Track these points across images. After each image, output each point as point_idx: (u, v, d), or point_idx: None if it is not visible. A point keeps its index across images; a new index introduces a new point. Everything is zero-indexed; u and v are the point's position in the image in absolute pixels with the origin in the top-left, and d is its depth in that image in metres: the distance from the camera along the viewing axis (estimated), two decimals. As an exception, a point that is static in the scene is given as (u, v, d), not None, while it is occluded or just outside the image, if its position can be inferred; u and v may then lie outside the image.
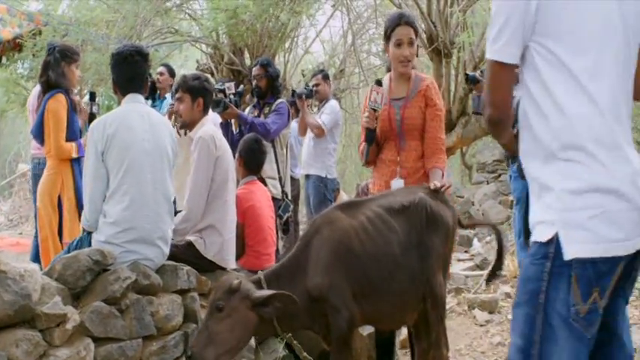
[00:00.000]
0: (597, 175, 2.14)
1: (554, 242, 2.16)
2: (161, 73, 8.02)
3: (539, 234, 2.23)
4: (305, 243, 3.81)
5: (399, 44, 4.39)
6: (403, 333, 5.43)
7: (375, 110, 4.39)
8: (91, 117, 5.90)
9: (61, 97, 5.40)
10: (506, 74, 2.31)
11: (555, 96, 2.20)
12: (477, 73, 6.46)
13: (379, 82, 4.46)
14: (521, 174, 5.99)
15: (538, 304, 2.18)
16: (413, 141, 4.46)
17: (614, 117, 2.19)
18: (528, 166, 2.40)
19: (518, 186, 6.22)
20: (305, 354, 4.18)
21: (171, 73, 8.19)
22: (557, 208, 2.18)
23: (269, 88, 6.68)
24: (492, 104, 2.38)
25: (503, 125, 2.43)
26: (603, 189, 2.12)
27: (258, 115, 6.62)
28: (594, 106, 2.16)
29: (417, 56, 4.58)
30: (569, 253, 2.13)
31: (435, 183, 4.12)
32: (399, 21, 4.38)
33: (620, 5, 2.20)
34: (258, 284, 3.73)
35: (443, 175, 4.37)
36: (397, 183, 4.41)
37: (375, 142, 4.56)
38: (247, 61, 12.07)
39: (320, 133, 7.56)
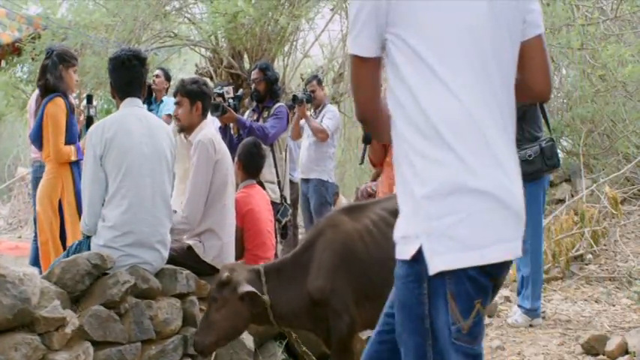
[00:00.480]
0: (459, 174, 1.90)
1: (422, 258, 1.92)
2: (157, 76, 8.05)
3: (402, 251, 2.01)
4: (308, 244, 3.81)
5: None
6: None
7: None
8: (89, 120, 5.90)
9: (59, 101, 5.40)
10: (366, 69, 2.09)
11: (412, 89, 1.96)
12: None
13: None
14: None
15: (425, 331, 1.96)
16: None
17: (484, 115, 1.97)
18: (398, 169, 2.08)
19: None
20: (305, 348, 4.18)
21: (167, 77, 8.21)
22: (418, 218, 1.95)
23: (268, 91, 6.69)
24: (357, 102, 2.18)
25: (373, 125, 2.21)
26: (466, 189, 1.89)
27: (257, 119, 6.62)
28: (455, 101, 1.93)
29: None
30: (435, 267, 1.89)
31: None
32: None
33: None
34: (257, 275, 3.76)
35: None
36: None
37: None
38: (246, 65, 12.06)
39: (324, 137, 7.58)
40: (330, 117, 7.63)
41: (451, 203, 1.88)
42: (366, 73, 2.10)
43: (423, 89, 1.95)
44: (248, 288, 3.61)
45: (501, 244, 1.93)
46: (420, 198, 1.93)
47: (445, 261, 1.88)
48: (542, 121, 6.34)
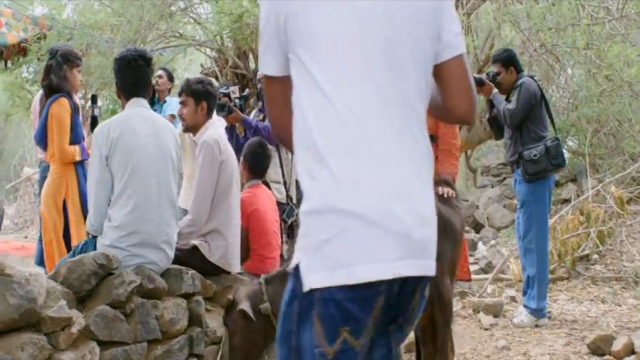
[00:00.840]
0: (330, 193, 1.84)
1: (299, 274, 1.87)
2: (160, 77, 8.05)
3: (291, 265, 1.95)
4: None
5: None
6: (409, 336, 5.42)
7: None
8: (93, 120, 5.91)
9: (64, 101, 5.39)
10: (274, 87, 2.07)
11: (303, 108, 1.92)
12: (483, 76, 6.43)
13: None
14: (525, 178, 5.99)
15: (292, 347, 1.91)
16: None
17: (371, 131, 1.87)
18: None
19: (522, 189, 6.21)
20: None
21: (170, 77, 8.22)
22: (300, 232, 1.91)
23: None
24: (269, 118, 2.16)
25: (286, 141, 2.10)
26: (336, 209, 1.82)
27: (264, 119, 6.61)
28: (336, 117, 1.87)
29: None
30: (307, 283, 1.84)
31: (441, 189, 4.12)
32: None
33: (384, 7, 1.94)
34: (259, 286, 3.79)
35: (454, 180, 4.37)
36: None
37: None
38: (252, 65, 12.07)
39: None
40: None
41: (324, 221, 1.83)
42: (275, 91, 2.08)
43: (311, 107, 1.91)
44: (242, 305, 3.63)
45: (375, 264, 1.81)
46: (302, 214, 1.90)
47: (315, 278, 1.83)
48: (548, 120, 6.35)
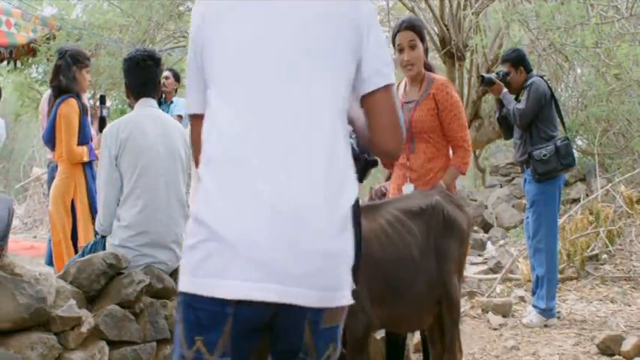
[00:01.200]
0: (200, 205, 1.85)
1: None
2: (167, 77, 8.07)
3: None
4: None
5: (400, 50, 4.41)
6: (417, 336, 5.42)
7: None
8: (102, 121, 5.92)
9: (72, 102, 5.41)
10: (196, 126, 2.07)
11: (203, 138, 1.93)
12: (493, 75, 6.43)
13: None
14: (535, 177, 5.98)
15: (174, 337, 1.95)
16: (422, 143, 4.44)
17: (254, 157, 1.83)
18: None
19: (531, 189, 6.20)
20: None
21: (177, 78, 8.24)
22: None
23: None
24: (194, 160, 2.15)
25: None
26: (203, 222, 1.82)
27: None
28: (219, 143, 1.87)
29: (427, 57, 4.56)
30: (179, 284, 1.89)
31: (442, 183, 4.14)
32: (400, 27, 4.41)
33: (294, 27, 1.92)
34: None
35: (457, 175, 4.37)
36: (408, 188, 4.41)
37: None
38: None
39: None
40: None
41: (193, 228, 1.84)
42: (195, 130, 2.07)
43: (207, 134, 1.92)
44: None
45: (221, 280, 1.78)
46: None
47: (181, 280, 1.88)
48: (558, 120, 6.34)
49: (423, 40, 4.43)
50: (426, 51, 4.50)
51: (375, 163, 2.38)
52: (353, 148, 2.18)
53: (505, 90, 6.27)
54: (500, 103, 6.42)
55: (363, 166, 2.31)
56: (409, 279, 3.75)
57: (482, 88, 6.14)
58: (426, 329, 4.06)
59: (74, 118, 5.39)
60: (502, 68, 6.48)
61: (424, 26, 4.56)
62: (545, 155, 5.97)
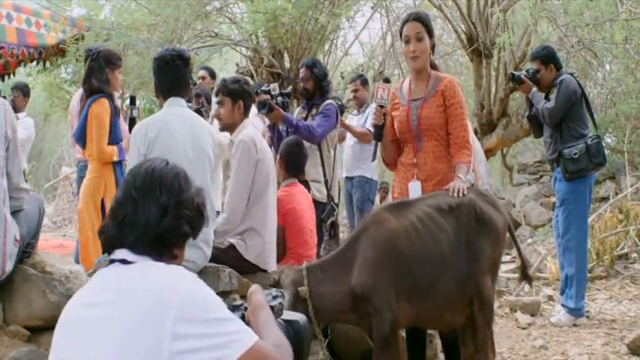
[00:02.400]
0: None
1: None
2: (203, 77, 8.09)
3: None
4: (353, 241, 3.82)
5: (406, 41, 4.38)
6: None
7: (381, 107, 4.40)
8: (132, 121, 5.95)
9: (104, 102, 5.43)
10: None
11: None
12: (523, 73, 6.37)
13: (387, 80, 4.51)
14: (565, 176, 5.91)
15: None
16: (430, 142, 4.40)
17: None
18: None
19: (562, 187, 6.15)
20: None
21: (213, 76, 8.24)
22: None
23: (316, 88, 6.65)
24: None
25: None
26: None
27: (306, 117, 6.60)
28: None
29: (433, 53, 4.52)
30: None
31: (452, 186, 4.06)
32: (408, 18, 4.40)
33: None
34: (300, 272, 3.79)
35: (468, 170, 4.33)
36: (414, 185, 4.37)
37: (395, 145, 4.56)
38: (287, 64, 12.10)
39: (369, 139, 7.55)
40: (353, 114, 7.56)
41: None
42: None
43: None
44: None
45: None
46: None
47: None
48: (589, 118, 6.29)
49: (430, 34, 4.41)
50: (433, 48, 4.47)
51: None
52: None
53: (534, 89, 6.22)
54: (530, 102, 6.37)
55: None
56: (438, 276, 3.74)
57: (512, 85, 6.08)
58: (459, 328, 4.05)
59: (105, 118, 5.42)
60: (532, 66, 6.42)
61: (431, 21, 4.53)
62: (575, 154, 5.92)
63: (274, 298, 2.35)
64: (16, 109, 8.89)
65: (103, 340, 1.90)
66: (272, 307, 2.28)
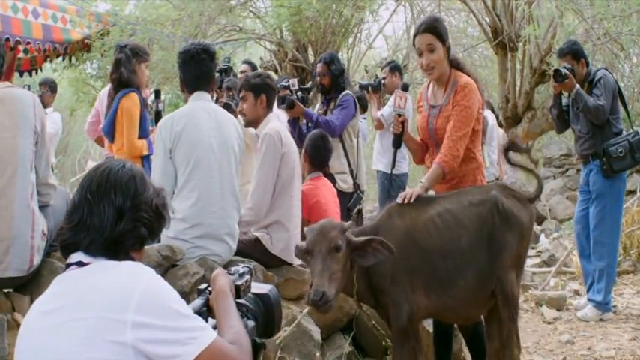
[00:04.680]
0: None
1: None
2: (245, 72, 8.11)
3: None
4: (374, 229, 3.80)
5: (419, 54, 4.31)
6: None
7: (399, 115, 4.35)
8: (157, 115, 5.98)
9: (134, 96, 5.44)
10: None
11: None
12: (564, 69, 6.18)
13: (405, 87, 4.46)
14: (607, 173, 5.82)
15: None
16: None
17: None
18: None
19: (598, 182, 6.08)
20: (374, 323, 4.18)
21: (254, 69, 8.25)
22: None
23: (332, 84, 6.67)
24: None
25: None
26: None
27: (325, 112, 6.62)
28: None
29: (449, 55, 4.41)
30: None
31: (404, 194, 4.01)
32: (418, 30, 4.31)
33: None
34: None
35: (442, 172, 4.16)
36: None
37: (422, 144, 4.52)
38: (311, 58, 12.11)
39: (379, 126, 7.53)
40: (389, 105, 7.47)
41: None
42: None
43: None
44: (366, 237, 3.56)
45: None
46: None
47: None
48: (623, 113, 6.26)
49: (443, 41, 4.28)
50: (448, 50, 4.37)
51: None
52: None
53: (578, 86, 6.06)
54: (557, 97, 6.30)
55: None
56: (457, 271, 3.74)
57: (557, 82, 5.89)
58: (485, 324, 4.04)
59: (135, 112, 5.43)
60: (560, 62, 6.31)
61: (444, 26, 4.44)
62: (621, 152, 5.90)
63: (241, 275, 2.34)
64: (44, 105, 8.94)
65: (69, 342, 1.91)
66: (238, 287, 2.27)
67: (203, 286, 2.31)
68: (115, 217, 2.09)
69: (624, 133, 6.13)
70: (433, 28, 4.25)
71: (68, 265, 2.09)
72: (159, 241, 4.11)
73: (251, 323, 2.25)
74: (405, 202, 3.88)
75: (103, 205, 2.09)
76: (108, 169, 2.17)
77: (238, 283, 2.29)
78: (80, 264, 2.06)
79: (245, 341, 2.07)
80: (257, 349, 2.19)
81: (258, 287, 2.40)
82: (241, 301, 2.26)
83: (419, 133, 4.51)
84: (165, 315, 1.93)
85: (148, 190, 2.20)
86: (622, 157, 5.90)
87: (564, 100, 6.36)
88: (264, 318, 2.33)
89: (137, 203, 2.14)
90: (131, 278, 1.98)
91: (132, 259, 2.14)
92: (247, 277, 2.35)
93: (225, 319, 2.13)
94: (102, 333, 1.88)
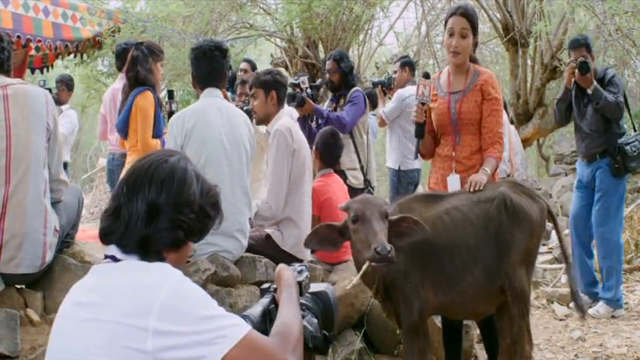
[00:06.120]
0: None
1: None
2: (245, 70, 8.12)
3: None
4: None
5: (450, 34, 4.34)
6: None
7: (423, 104, 4.36)
8: (171, 115, 5.99)
9: (149, 94, 5.43)
10: None
11: None
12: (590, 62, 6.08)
13: (427, 76, 4.46)
14: (619, 172, 5.81)
15: None
16: (468, 135, 4.38)
17: None
18: None
19: (605, 179, 6.09)
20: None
21: (254, 69, 8.28)
22: None
23: (342, 82, 6.68)
24: None
25: None
26: None
27: (335, 108, 6.63)
28: None
29: (474, 51, 4.48)
30: None
31: (471, 179, 4.04)
32: (455, 11, 4.35)
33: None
34: None
35: (497, 165, 4.29)
36: (453, 179, 4.34)
37: (432, 136, 4.54)
38: (321, 55, 12.09)
39: (380, 123, 7.54)
40: (392, 101, 7.46)
41: None
42: None
43: None
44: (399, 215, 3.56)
45: None
46: None
47: None
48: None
49: (475, 32, 4.36)
50: (475, 45, 4.43)
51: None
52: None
53: (596, 83, 6.00)
54: (569, 92, 6.25)
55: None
56: (465, 267, 3.74)
57: (582, 74, 5.78)
58: (497, 320, 4.04)
59: (150, 111, 5.42)
60: (573, 54, 6.23)
61: (477, 19, 4.48)
62: (634, 151, 5.90)
63: (300, 272, 2.35)
64: (61, 102, 9.03)
65: (88, 342, 1.88)
66: (300, 283, 2.27)
67: (266, 285, 2.31)
68: (147, 213, 2.01)
69: (633, 133, 6.15)
70: (470, 16, 4.33)
71: (106, 256, 2.06)
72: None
73: (314, 321, 2.25)
74: (472, 190, 3.94)
75: (136, 198, 2.02)
76: (149, 162, 2.10)
77: (299, 279, 2.29)
78: (114, 259, 2.03)
79: (291, 333, 2.00)
80: (327, 342, 2.19)
81: (315, 286, 2.42)
82: (302, 300, 2.25)
83: (434, 121, 4.51)
84: (188, 321, 1.86)
85: (190, 188, 2.10)
86: (637, 156, 5.91)
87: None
88: (323, 316, 2.33)
89: (174, 202, 2.05)
90: (156, 283, 1.91)
91: (164, 259, 2.05)
92: (306, 273, 2.37)
93: (280, 310, 2.10)
94: (122, 339, 1.84)
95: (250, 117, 5.23)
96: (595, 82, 5.95)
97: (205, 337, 1.86)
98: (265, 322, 2.12)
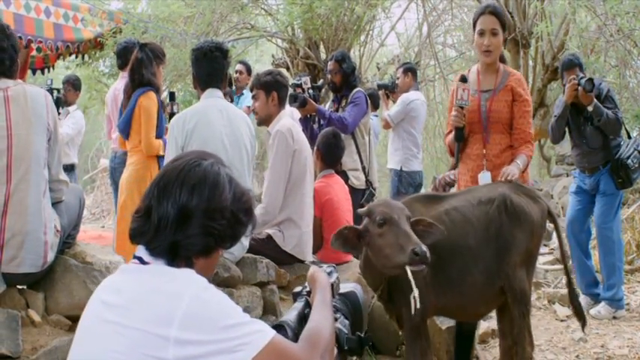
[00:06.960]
0: None
1: None
2: (240, 72, 8.13)
3: None
4: None
5: (480, 33, 4.39)
6: (483, 327, 5.38)
7: (462, 108, 4.38)
8: (172, 116, 5.99)
9: (152, 95, 5.46)
10: None
11: None
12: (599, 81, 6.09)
13: (464, 79, 4.44)
14: (624, 185, 5.83)
15: None
16: (497, 134, 4.44)
17: None
18: None
19: (609, 182, 6.11)
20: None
21: (249, 72, 8.30)
22: None
23: (343, 83, 6.68)
24: None
25: None
26: None
27: (337, 109, 6.63)
28: None
29: (505, 48, 4.54)
30: None
31: (504, 170, 4.09)
32: (484, 10, 4.41)
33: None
34: None
35: (528, 162, 4.35)
36: (485, 176, 4.37)
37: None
38: (323, 55, 12.09)
39: (385, 125, 7.56)
40: (397, 104, 7.51)
41: None
42: None
43: None
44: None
45: None
46: None
47: None
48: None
49: (504, 28, 4.43)
50: (505, 42, 4.48)
51: None
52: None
53: (596, 100, 5.98)
54: (569, 109, 6.19)
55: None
56: (463, 267, 3.74)
57: (587, 92, 5.73)
58: (498, 321, 4.04)
59: (154, 111, 5.45)
60: (567, 75, 6.21)
61: (505, 16, 4.53)
62: (636, 163, 5.95)
63: (330, 274, 2.33)
64: (68, 103, 9.05)
65: (109, 346, 1.88)
66: (332, 284, 2.25)
67: (298, 289, 2.30)
68: (177, 218, 1.98)
69: (628, 141, 6.17)
70: (499, 14, 4.40)
71: (135, 256, 2.05)
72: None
73: (347, 322, 2.24)
74: (504, 180, 4.02)
75: (166, 202, 1.99)
76: (181, 164, 2.06)
77: (331, 281, 2.28)
78: (141, 261, 2.01)
79: (320, 337, 1.98)
80: (362, 344, 2.18)
81: (343, 286, 2.41)
82: (332, 302, 2.24)
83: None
84: (210, 329, 1.83)
85: (222, 194, 2.04)
86: (638, 167, 5.94)
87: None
88: (352, 316, 2.32)
89: (206, 208, 2.00)
90: (179, 291, 1.88)
91: (192, 265, 2.02)
92: (336, 274, 2.36)
93: (312, 313, 2.08)
94: (143, 346, 1.83)
95: None
96: (594, 102, 5.94)
97: (227, 345, 1.83)
98: (302, 327, 2.08)
